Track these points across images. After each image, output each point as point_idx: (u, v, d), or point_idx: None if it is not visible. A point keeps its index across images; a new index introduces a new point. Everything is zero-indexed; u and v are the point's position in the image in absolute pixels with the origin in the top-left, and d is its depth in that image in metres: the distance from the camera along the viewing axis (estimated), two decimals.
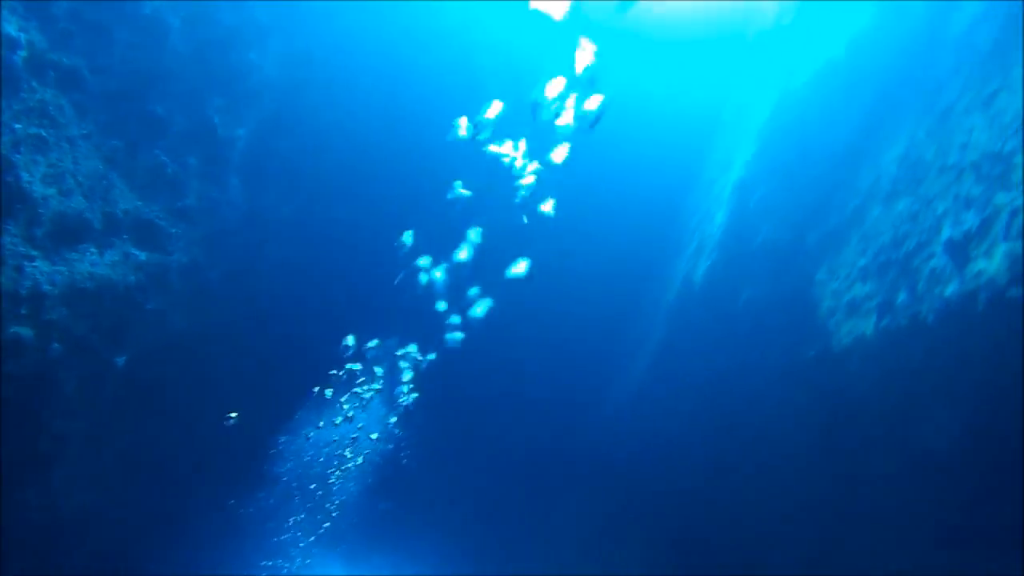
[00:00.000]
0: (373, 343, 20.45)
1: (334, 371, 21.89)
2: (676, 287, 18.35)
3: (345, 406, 23.41)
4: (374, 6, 18.14)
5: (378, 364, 22.64)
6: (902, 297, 10.96)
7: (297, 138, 18.41)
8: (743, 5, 18.95)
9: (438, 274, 18.85)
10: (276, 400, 20.63)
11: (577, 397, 23.43)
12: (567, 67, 13.54)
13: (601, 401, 22.72)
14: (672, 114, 20.09)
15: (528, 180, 16.37)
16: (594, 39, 13.49)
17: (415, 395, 23.39)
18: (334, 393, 23.01)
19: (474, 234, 17.88)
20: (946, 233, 10.18)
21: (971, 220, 9.75)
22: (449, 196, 16.69)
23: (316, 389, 21.95)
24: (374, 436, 24.81)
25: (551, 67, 13.74)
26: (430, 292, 19.04)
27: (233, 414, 18.68)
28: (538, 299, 21.94)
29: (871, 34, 12.92)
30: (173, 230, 16.33)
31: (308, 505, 25.30)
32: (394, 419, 24.60)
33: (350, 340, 19.51)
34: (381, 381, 23.22)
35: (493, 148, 16.10)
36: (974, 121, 10.21)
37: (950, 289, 9.93)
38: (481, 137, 15.08)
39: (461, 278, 18.71)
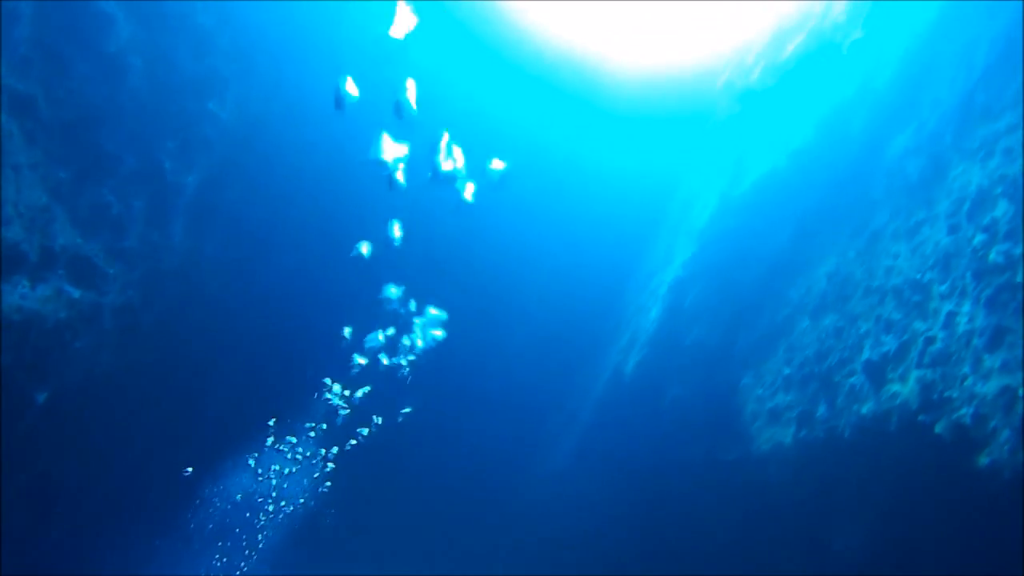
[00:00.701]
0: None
1: (266, 420, 21.73)
2: (607, 376, 18.63)
3: (274, 455, 23.16)
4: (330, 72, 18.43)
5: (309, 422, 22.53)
6: (821, 410, 11.33)
7: (244, 190, 18.45)
8: (697, 91, 19.63)
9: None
10: (200, 445, 20.29)
11: (504, 469, 23.45)
12: None
13: (528, 475, 22.77)
14: (621, 199, 20.62)
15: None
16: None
17: (342, 460, 23.31)
18: (261, 442, 22.75)
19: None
20: (866, 353, 10.62)
21: (890, 343, 10.20)
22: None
23: (243, 436, 21.69)
24: (300, 498, 24.58)
25: None
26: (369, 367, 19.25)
27: (189, 469, 18.45)
28: (474, 373, 22.14)
29: (812, 149, 13.53)
30: (110, 270, 16.13)
31: (226, 553, 24.75)
32: (319, 476, 24.38)
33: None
34: (310, 438, 23.05)
35: None
36: (899, 248, 10.73)
37: (866, 407, 10.32)
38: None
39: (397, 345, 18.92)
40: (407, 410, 22.74)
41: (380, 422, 22.58)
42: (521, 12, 20.27)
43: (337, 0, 18.33)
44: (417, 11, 16.51)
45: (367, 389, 21.76)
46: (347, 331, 19.39)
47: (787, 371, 12.44)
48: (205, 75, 16.84)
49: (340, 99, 13.67)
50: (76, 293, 15.62)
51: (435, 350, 20.23)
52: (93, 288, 15.98)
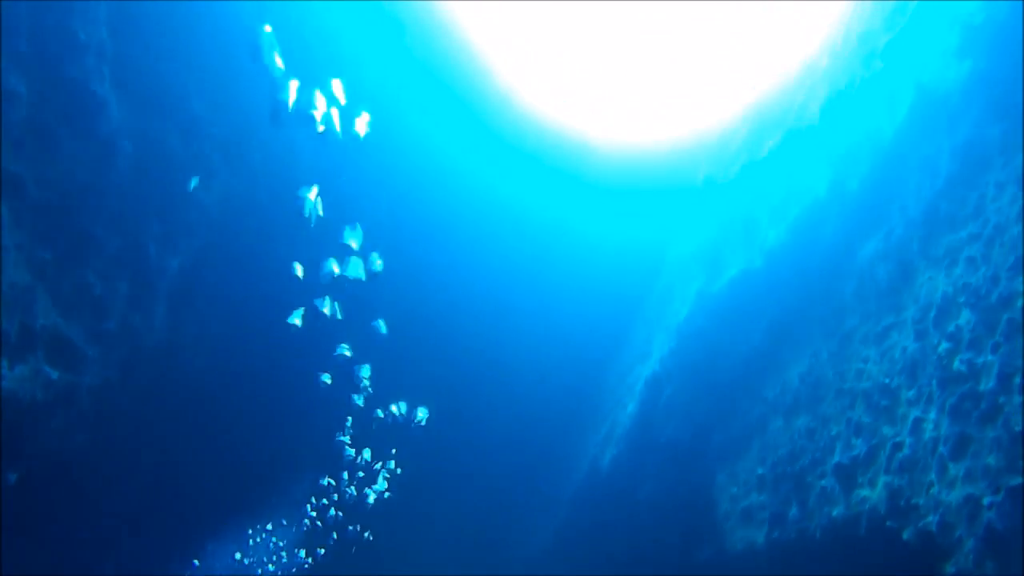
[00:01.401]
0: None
1: (245, 505, 21.47)
2: (584, 468, 18.63)
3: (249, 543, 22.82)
4: (314, 162, 18.84)
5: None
6: (793, 511, 11.32)
7: (226, 274, 18.59)
8: (676, 170, 20.06)
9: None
10: (173, 530, 20.01)
11: (482, 551, 23.24)
12: None
13: (505, 557, 22.55)
14: (602, 291, 20.87)
15: None
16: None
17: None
18: (234, 529, 22.43)
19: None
20: (837, 456, 10.66)
21: (859, 447, 10.26)
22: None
23: (215, 522, 21.37)
24: None
25: None
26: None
27: None
28: (453, 455, 22.06)
29: (786, 250, 13.77)
30: (90, 351, 16.14)
31: None
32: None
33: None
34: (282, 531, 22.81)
35: None
36: (869, 352, 10.87)
37: (837, 510, 10.32)
38: None
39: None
40: (388, 494, 22.60)
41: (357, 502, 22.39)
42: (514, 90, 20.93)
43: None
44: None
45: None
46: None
47: (760, 471, 12.46)
48: (193, 160, 17.13)
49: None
50: (54, 374, 15.60)
51: (416, 433, 20.20)
52: (71, 369, 15.96)
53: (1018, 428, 7.74)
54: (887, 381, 10.17)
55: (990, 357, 8.48)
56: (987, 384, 8.34)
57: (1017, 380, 8.00)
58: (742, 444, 13.32)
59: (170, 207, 16.88)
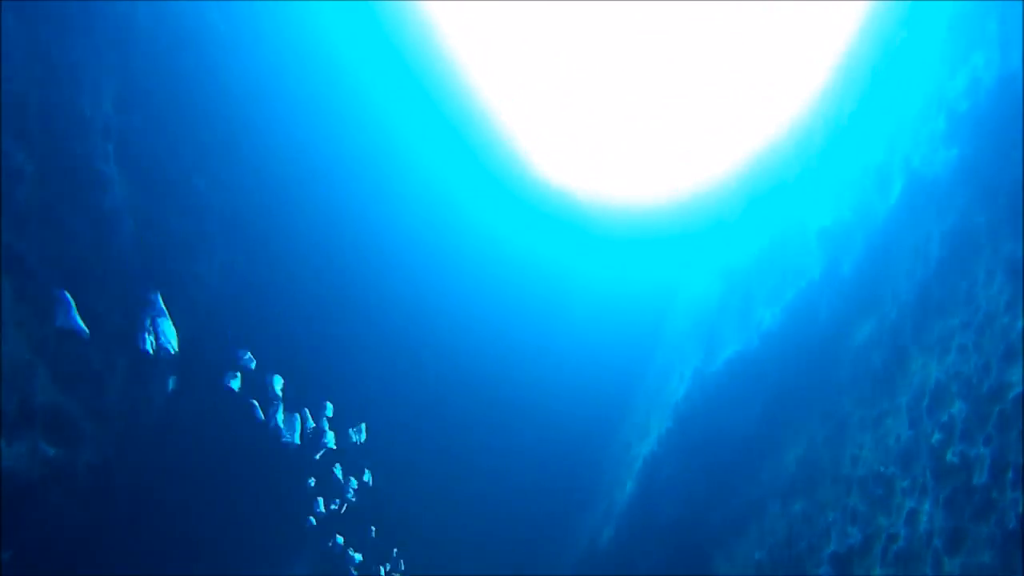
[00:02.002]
0: None
1: None
2: (582, 546, 18.45)
3: None
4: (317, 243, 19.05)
5: None
6: None
7: (226, 355, 18.61)
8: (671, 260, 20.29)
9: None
10: None
11: None
12: None
13: None
14: (600, 366, 20.89)
15: None
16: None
17: None
18: None
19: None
20: (833, 544, 10.57)
21: (855, 536, 10.18)
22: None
23: None
24: None
25: None
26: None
27: None
28: (456, 521, 21.85)
29: (782, 332, 13.81)
30: (88, 428, 16.12)
31: None
32: None
33: None
34: None
35: None
36: (865, 438, 10.85)
37: None
38: None
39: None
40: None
41: None
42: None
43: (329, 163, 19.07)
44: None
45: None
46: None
47: (758, 555, 12.33)
48: (194, 237, 17.28)
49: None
50: (51, 451, 15.56)
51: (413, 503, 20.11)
52: (68, 446, 15.92)
53: (1012, 525, 7.69)
54: (882, 469, 10.13)
55: (982, 450, 8.47)
56: (980, 478, 8.32)
57: (1009, 476, 7.98)
58: (739, 526, 13.20)
59: (171, 284, 16.98)
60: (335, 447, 17.49)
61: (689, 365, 16.38)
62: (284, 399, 19.52)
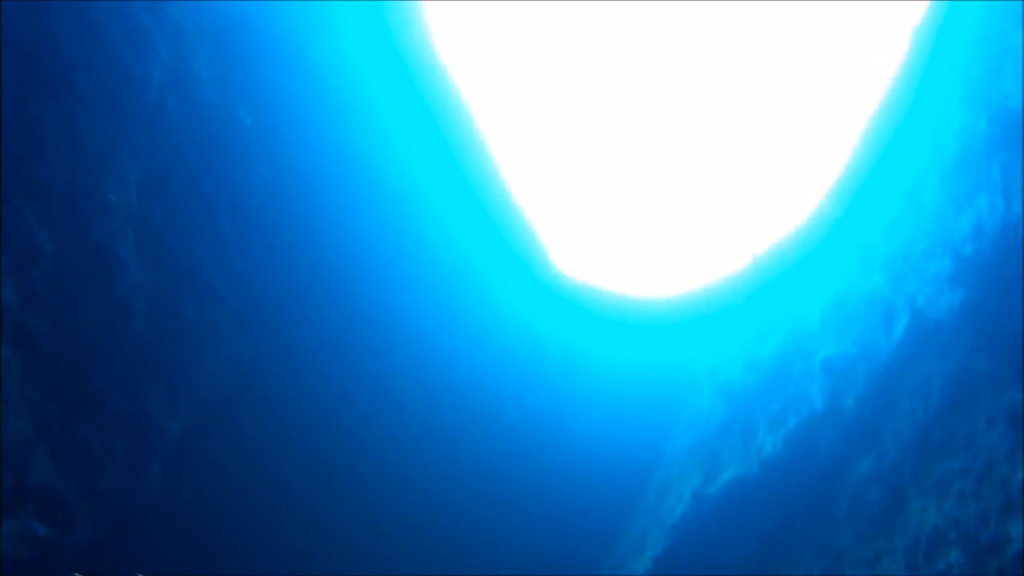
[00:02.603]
0: None
1: None
2: None
3: None
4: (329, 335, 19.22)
5: None
6: None
7: (227, 441, 18.62)
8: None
9: None
10: None
11: None
12: None
13: None
14: (599, 479, 20.74)
15: None
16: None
17: None
18: None
19: None
20: None
21: None
22: None
23: None
24: None
25: None
26: None
27: None
28: None
29: (781, 461, 13.78)
30: (81, 509, 16.05)
31: None
32: None
33: None
34: None
35: None
36: None
37: None
38: None
39: None
40: None
41: None
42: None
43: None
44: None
45: None
46: None
47: None
48: (204, 326, 17.47)
49: None
50: (42, 531, 15.47)
51: None
52: (61, 526, 15.83)
53: None
54: None
55: None
56: None
57: None
58: None
59: (177, 371, 17.11)
60: None
61: (688, 485, 16.27)
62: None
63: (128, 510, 17.21)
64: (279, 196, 18.80)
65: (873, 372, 12.15)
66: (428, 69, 22.88)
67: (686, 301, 24.62)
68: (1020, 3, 13.16)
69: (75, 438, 16.05)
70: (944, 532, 9.47)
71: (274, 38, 20.37)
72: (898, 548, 10.19)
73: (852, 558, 11.06)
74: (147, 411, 16.87)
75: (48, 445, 15.58)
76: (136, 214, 16.72)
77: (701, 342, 20.83)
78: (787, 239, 21.39)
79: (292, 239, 18.65)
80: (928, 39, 19.62)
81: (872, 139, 21.34)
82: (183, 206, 17.51)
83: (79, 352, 16.12)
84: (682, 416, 19.26)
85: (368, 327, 19.85)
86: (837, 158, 26.23)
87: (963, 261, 11.38)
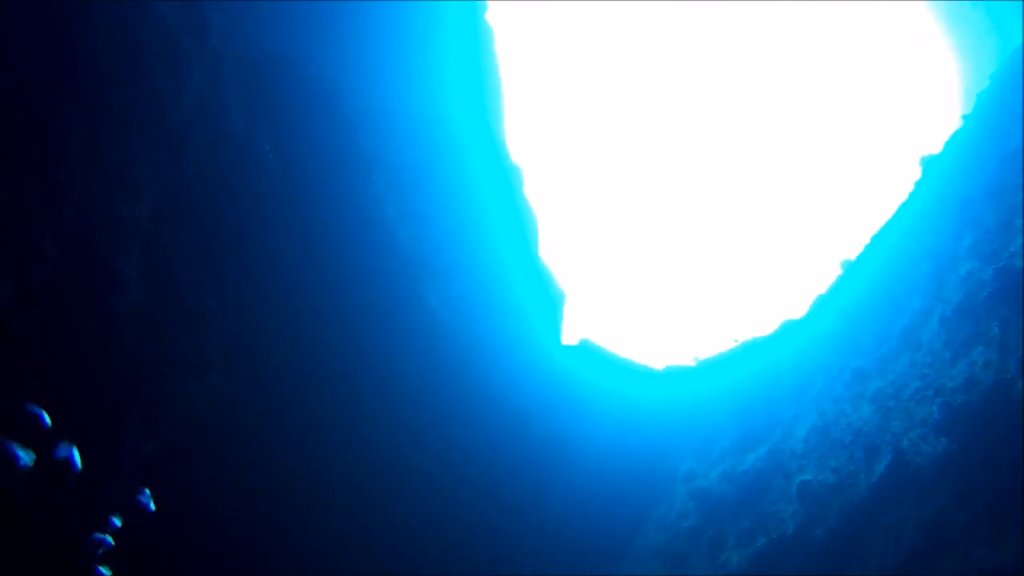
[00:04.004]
0: None
1: None
2: None
3: None
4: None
5: None
6: None
7: (196, 474, 18.42)
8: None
9: None
10: None
11: None
12: None
13: None
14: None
15: None
16: None
17: None
18: None
19: None
20: None
21: None
22: None
23: None
24: None
25: None
26: None
27: None
28: None
29: None
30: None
31: None
32: None
33: None
34: None
35: None
36: None
37: None
38: None
39: None
40: None
41: None
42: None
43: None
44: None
45: None
46: None
47: None
48: (193, 355, 17.41)
49: None
50: None
51: None
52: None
53: None
54: None
55: None
56: None
57: None
58: None
59: (159, 396, 17.02)
60: None
61: None
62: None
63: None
64: (290, 237, 18.90)
65: (848, 506, 12.12)
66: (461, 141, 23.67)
67: (679, 381, 24.80)
68: None
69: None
70: None
71: (310, 82, 20.70)
72: None
73: None
74: (122, 431, 16.75)
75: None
76: (145, 233, 16.75)
77: (683, 437, 20.75)
78: (784, 343, 21.55)
79: (296, 281, 18.69)
80: (944, 175, 19.94)
81: (875, 259, 21.61)
82: (193, 232, 17.55)
83: (65, 360, 16.04)
84: (655, 511, 19.11)
85: (360, 394, 19.73)
86: (842, 268, 26.61)
87: (952, 411, 11.43)
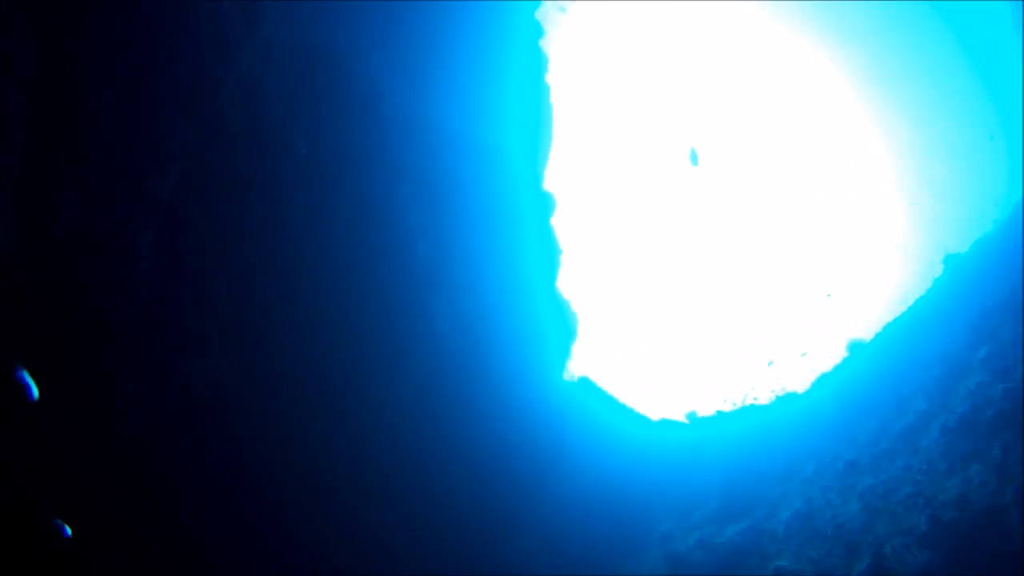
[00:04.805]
0: None
1: None
2: None
3: None
4: None
5: None
6: None
7: (181, 455, 18.29)
8: None
9: None
10: None
11: None
12: None
13: None
14: None
15: None
16: None
17: None
18: None
19: None
20: None
21: None
22: None
23: None
24: None
25: None
26: None
27: None
28: None
29: None
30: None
31: None
32: None
33: None
34: None
35: None
36: None
37: None
38: None
39: None
40: None
41: None
42: None
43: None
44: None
45: None
46: None
47: None
48: (193, 334, 17.32)
49: None
50: None
51: None
52: None
53: None
54: None
55: None
56: None
57: None
58: None
59: (153, 371, 16.92)
60: None
61: None
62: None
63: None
64: (308, 231, 18.84)
65: None
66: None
67: (672, 435, 24.70)
68: None
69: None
70: None
71: (354, 80, 20.68)
72: None
73: None
74: (111, 401, 16.66)
75: None
76: (165, 207, 16.68)
77: (667, 494, 20.60)
78: (780, 416, 21.40)
79: (305, 275, 18.63)
80: (967, 277, 19.80)
81: (884, 350, 21.45)
82: (213, 213, 17.50)
83: (64, 320, 15.98)
84: (626, 565, 18.94)
85: (348, 396, 19.60)
86: (848, 349, 26.48)
87: (940, 525, 11.29)
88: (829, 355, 26.07)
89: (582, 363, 27.93)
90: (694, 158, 15.85)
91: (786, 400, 22.75)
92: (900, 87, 48.03)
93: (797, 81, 52.13)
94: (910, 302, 23.21)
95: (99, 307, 16.03)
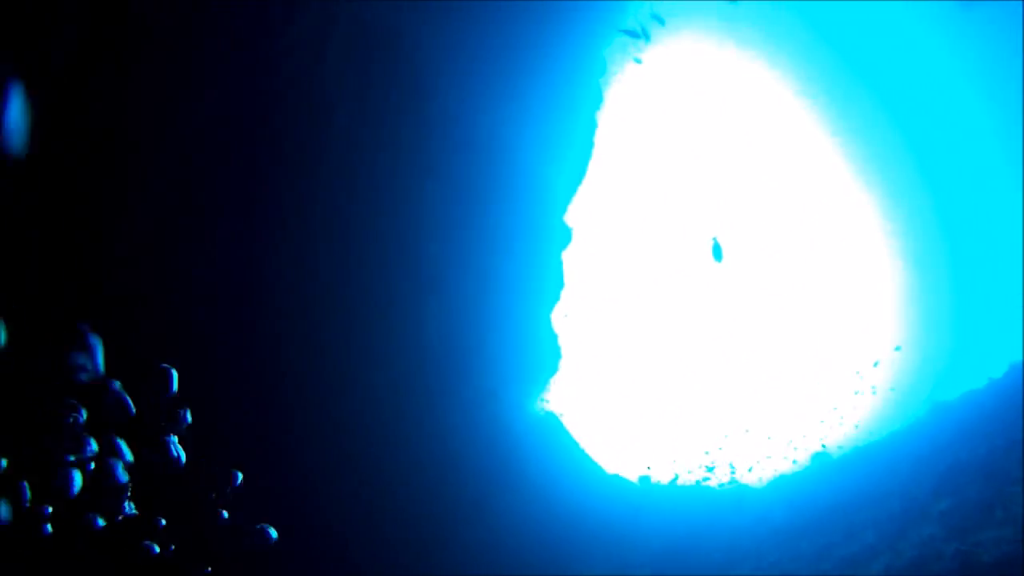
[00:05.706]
0: None
1: None
2: None
3: None
4: None
5: None
6: None
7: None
8: None
9: None
10: None
11: None
12: None
13: None
14: None
15: None
16: None
17: None
18: None
19: None
20: None
21: None
22: None
23: None
24: None
25: None
26: None
27: None
28: None
29: None
30: None
31: None
32: None
33: None
34: None
35: None
36: None
37: None
38: None
39: None
40: None
41: None
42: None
43: None
44: None
45: None
46: None
47: None
48: (191, 282, 17.12)
49: None
50: None
51: None
52: None
53: None
54: None
55: None
56: None
57: None
58: None
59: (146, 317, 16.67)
60: None
61: None
62: None
63: None
64: (322, 205, 18.66)
65: None
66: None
67: (623, 495, 24.64)
68: None
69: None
70: None
71: (411, 64, 20.42)
72: None
73: None
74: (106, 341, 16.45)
75: None
76: (191, 159, 16.30)
77: (603, 548, 20.50)
78: (733, 504, 21.36)
79: (308, 251, 18.43)
80: (947, 427, 19.76)
81: (845, 470, 21.40)
82: (236, 172, 17.15)
83: (72, 260, 15.53)
84: None
85: (324, 381, 19.34)
86: (810, 459, 26.51)
87: None
88: (792, 458, 26.11)
89: (558, 399, 27.99)
90: (717, 253, 15.62)
91: (739, 491, 22.72)
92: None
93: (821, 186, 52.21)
94: (880, 431, 23.27)
95: (104, 244, 15.77)
